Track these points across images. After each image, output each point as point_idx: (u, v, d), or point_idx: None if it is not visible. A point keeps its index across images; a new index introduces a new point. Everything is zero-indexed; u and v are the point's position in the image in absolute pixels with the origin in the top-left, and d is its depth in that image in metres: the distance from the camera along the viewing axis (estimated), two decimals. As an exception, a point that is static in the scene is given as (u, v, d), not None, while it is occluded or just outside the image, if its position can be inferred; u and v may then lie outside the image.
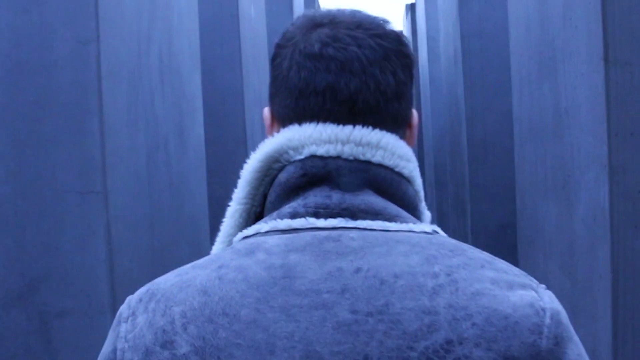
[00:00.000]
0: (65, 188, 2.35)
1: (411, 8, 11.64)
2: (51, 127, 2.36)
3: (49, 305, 2.36)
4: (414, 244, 0.97)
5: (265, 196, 1.05)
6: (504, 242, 5.07)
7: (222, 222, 1.08)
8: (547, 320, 0.95)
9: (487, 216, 5.19)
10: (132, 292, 2.47)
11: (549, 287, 3.05)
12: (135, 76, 2.70)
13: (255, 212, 1.07)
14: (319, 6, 11.38)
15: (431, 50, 8.64)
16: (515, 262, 4.06)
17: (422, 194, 1.08)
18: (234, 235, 1.06)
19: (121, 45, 2.57)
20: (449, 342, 0.90)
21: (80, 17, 2.35)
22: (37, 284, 2.36)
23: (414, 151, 1.07)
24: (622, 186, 2.49)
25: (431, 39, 8.65)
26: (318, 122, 1.01)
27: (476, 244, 5.17)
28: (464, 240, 5.47)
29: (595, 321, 2.69)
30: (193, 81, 3.54)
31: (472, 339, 0.91)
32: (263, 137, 4.63)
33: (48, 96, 2.36)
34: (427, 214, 1.10)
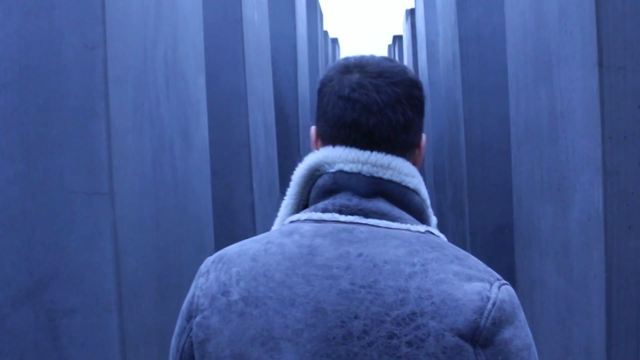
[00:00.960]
0: (72, 189, 2.36)
1: (411, 13, 11.65)
2: (59, 130, 2.37)
3: (57, 303, 2.37)
4: (404, 239, 1.34)
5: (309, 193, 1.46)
6: (501, 243, 5.08)
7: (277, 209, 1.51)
8: (489, 306, 1.28)
9: (485, 217, 5.20)
10: (138, 291, 2.58)
11: (544, 286, 3.07)
12: (141, 80, 2.71)
13: (303, 204, 1.46)
14: (320, 13, 11.38)
15: (430, 54, 8.65)
16: (512, 261, 4.06)
17: (428, 202, 1.44)
18: (284, 220, 1.47)
19: (127, 49, 2.58)
20: (414, 313, 1.27)
21: (87, 22, 2.36)
22: (45, 282, 2.37)
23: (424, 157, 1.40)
24: (616, 188, 2.50)
25: (430, 44, 8.66)
26: (346, 147, 1.40)
27: (474, 244, 5.17)
28: (463, 240, 5.48)
29: (590, 319, 2.69)
30: (198, 85, 3.55)
31: (430, 313, 1.26)
32: (266, 139, 4.67)
33: (56, 100, 2.37)
34: (433, 219, 1.45)
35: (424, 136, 1.47)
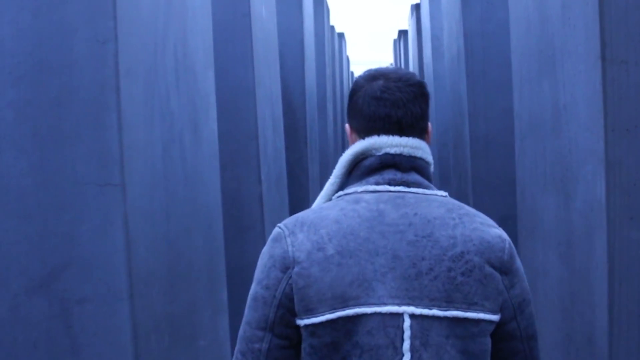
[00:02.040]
0: (84, 180, 2.36)
1: (416, 8, 11.61)
2: (71, 123, 2.37)
3: (70, 292, 2.37)
4: (439, 202, 1.84)
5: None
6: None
7: (324, 185, 1.92)
8: (507, 245, 1.81)
9: (489, 208, 5.18)
10: (149, 280, 2.59)
11: (548, 276, 3.13)
12: (152, 74, 2.71)
13: (343, 185, 1.91)
14: (327, 8, 11.36)
15: (435, 49, 8.63)
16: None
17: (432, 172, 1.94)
18: (331, 196, 1.90)
19: (138, 44, 2.58)
20: (462, 252, 1.76)
21: (99, 17, 2.36)
22: (58, 272, 2.37)
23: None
24: (618, 179, 2.49)
25: (435, 38, 8.63)
26: (386, 135, 1.85)
27: (478, 235, 5.18)
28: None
29: (592, 308, 2.69)
30: (207, 78, 3.55)
31: (473, 251, 1.77)
32: (273, 132, 4.69)
33: (68, 93, 2.37)
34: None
35: (430, 124, 1.94)
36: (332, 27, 14.19)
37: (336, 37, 15.24)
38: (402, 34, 17.62)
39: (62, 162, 2.36)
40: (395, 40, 20.53)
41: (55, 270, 2.37)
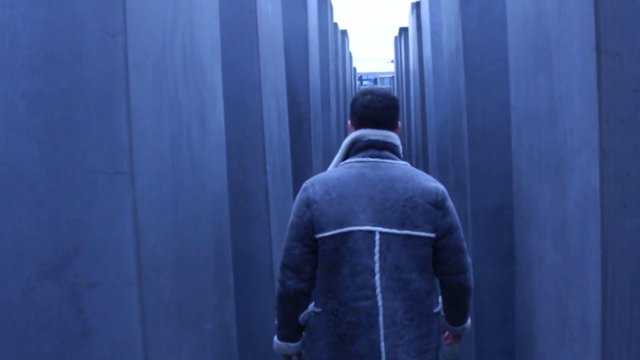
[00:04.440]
0: (95, 169, 2.34)
1: (416, 6, 11.57)
2: (82, 113, 2.35)
3: (81, 277, 2.36)
4: (400, 167, 3.09)
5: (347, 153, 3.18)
6: (501, 222, 5.05)
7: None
8: (440, 192, 3.05)
9: (486, 198, 5.16)
10: (157, 265, 2.57)
11: (543, 262, 3.11)
12: (160, 66, 2.69)
13: (345, 157, 3.18)
14: (331, 6, 11.32)
15: (434, 44, 8.59)
16: (511, 239, 4.03)
17: (401, 151, 3.19)
18: (337, 164, 3.17)
19: (147, 37, 2.56)
20: (411, 196, 3.01)
21: (109, 10, 2.34)
22: (69, 257, 2.36)
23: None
24: (612, 168, 2.47)
25: (435, 34, 8.59)
26: (370, 129, 3.13)
27: (475, 223, 5.14)
28: (465, 220, 5.45)
29: (586, 293, 2.67)
30: (214, 72, 3.52)
31: (417, 195, 3.01)
32: (279, 124, 4.78)
33: (79, 84, 2.35)
34: (402, 160, 3.14)
35: (399, 123, 3.21)
36: (336, 25, 14.15)
37: (339, 34, 15.20)
38: (403, 31, 17.57)
39: (73, 152, 2.35)
40: (396, 37, 20.48)
41: (67, 256, 2.36)
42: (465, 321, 3.35)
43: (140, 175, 2.41)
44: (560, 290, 3.02)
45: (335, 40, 13.41)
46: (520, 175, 3.70)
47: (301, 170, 7.76)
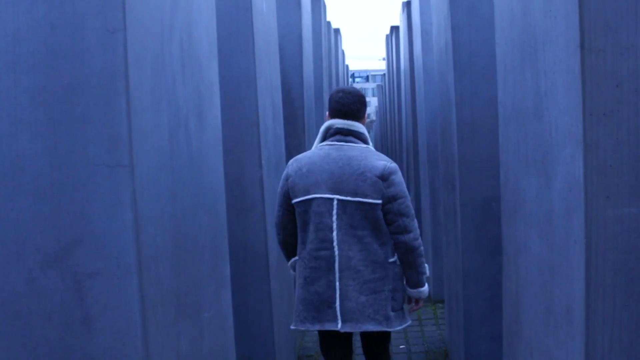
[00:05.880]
0: (95, 162, 2.35)
1: (407, 5, 11.56)
2: (83, 108, 2.35)
3: (82, 266, 2.36)
4: (359, 149, 3.99)
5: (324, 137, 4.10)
6: (489, 213, 5.06)
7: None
8: (387, 167, 3.92)
9: (474, 190, 5.18)
10: (156, 255, 2.58)
11: (529, 252, 3.12)
12: (159, 62, 2.69)
13: (323, 140, 4.07)
14: (324, 5, 11.31)
15: (425, 42, 8.58)
16: (498, 230, 4.05)
17: (368, 138, 4.08)
18: (315, 147, 4.05)
19: (146, 34, 2.56)
20: (363, 171, 3.90)
21: (109, 8, 2.34)
22: (71, 247, 2.36)
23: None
24: (595, 161, 2.48)
25: (425, 33, 8.59)
26: (339, 119, 4.05)
27: (464, 215, 5.16)
28: (454, 212, 5.46)
29: (571, 282, 2.68)
30: (211, 68, 3.52)
31: (368, 171, 3.89)
32: (274, 119, 4.84)
33: (80, 80, 2.35)
34: (371, 143, 4.06)
35: (366, 115, 4.07)
36: (329, 23, 14.13)
37: (332, 32, 15.18)
38: (394, 29, 17.54)
39: (74, 145, 2.35)
40: (387, 36, 20.45)
41: (68, 246, 2.36)
42: (421, 285, 4.01)
43: (139, 168, 2.41)
44: (546, 278, 3.03)
45: (328, 39, 13.40)
46: (507, 168, 3.71)
47: (295, 164, 7.75)
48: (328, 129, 4.03)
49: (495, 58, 3.93)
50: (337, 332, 4.00)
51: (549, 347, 3.02)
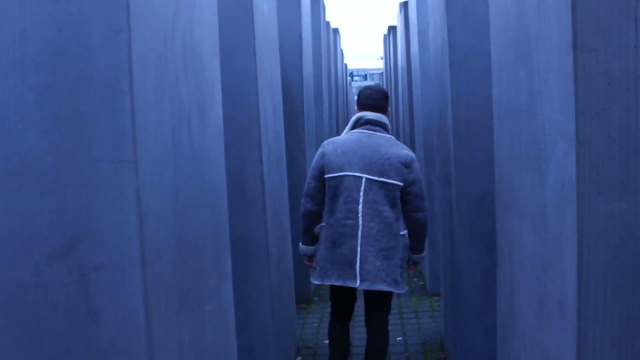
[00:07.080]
0: (100, 158, 2.35)
1: (404, 6, 11.55)
2: (88, 105, 2.35)
3: (87, 260, 2.36)
4: (386, 138, 4.82)
5: (354, 126, 4.91)
6: (484, 209, 5.06)
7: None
8: (409, 156, 4.74)
9: (469, 187, 5.18)
10: (159, 249, 2.59)
11: (522, 247, 3.11)
12: (162, 61, 2.69)
13: (353, 128, 4.89)
14: (323, 5, 11.30)
15: (421, 42, 8.58)
16: (493, 225, 4.05)
17: (389, 128, 4.92)
18: (346, 133, 4.87)
19: (149, 33, 2.56)
20: (389, 157, 4.69)
21: (113, 8, 2.34)
22: (76, 241, 2.36)
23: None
24: (587, 157, 2.49)
25: (421, 33, 8.58)
26: (369, 111, 4.89)
27: (459, 211, 5.16)
28: (449, 207, 5.46)
29: (563, 276, 2.69)
30: (213, 67, 3.52)
31: (393, 157, 4.70)
32: (274, 117, 4.77)
33: (85, 78, 2.35)
34: (389, 134, 4.93)
35: (389, 109, 4.93)
36: (328, 23, 14.11)
37: (331, 32, 15.16)
38: (392, 29, 17.52)
39: (79, 142, 2.35)
40: (385, 35, 20.44)
41: (74, 240, 2.36)
42: (422, 252, 4.86)
43: (143, 164, 2.41)
44: (539, 272, 3.03)
45: (327, 38, 13.38)
46: (501, 165, 3.71)
47: (295, 160, 7.76)
48: (359, 119, 4.81)
49: (490, 57, 3.94)
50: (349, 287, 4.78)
51: (542, 339, 3.02)
